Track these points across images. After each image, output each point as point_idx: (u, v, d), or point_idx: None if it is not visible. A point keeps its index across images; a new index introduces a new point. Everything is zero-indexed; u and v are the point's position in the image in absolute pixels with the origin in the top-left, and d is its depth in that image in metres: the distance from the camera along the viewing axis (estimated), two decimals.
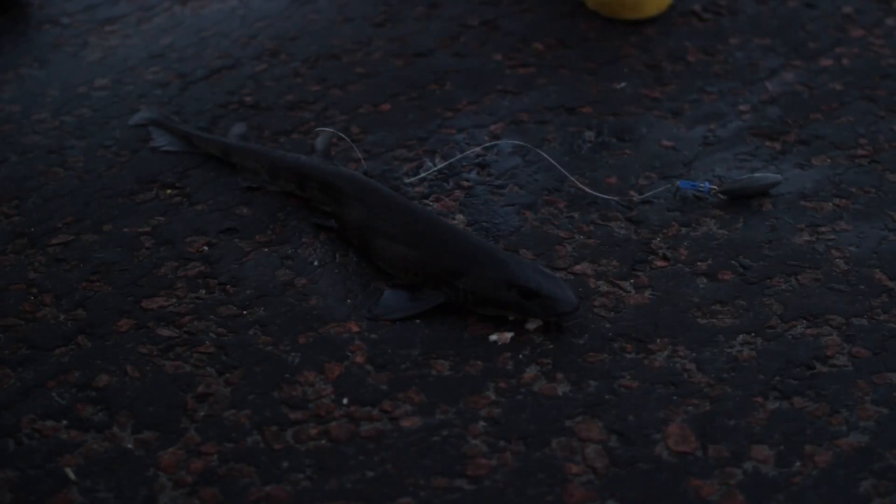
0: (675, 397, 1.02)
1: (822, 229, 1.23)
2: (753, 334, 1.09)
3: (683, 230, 1.23)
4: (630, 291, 1.14)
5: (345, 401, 1.02)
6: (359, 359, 1.07)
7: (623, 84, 1.50)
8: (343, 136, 1.38)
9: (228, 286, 1.17)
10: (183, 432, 1.00)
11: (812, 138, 1.38)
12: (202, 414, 1.01)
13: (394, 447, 0.98)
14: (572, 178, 1.28)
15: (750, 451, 0.96)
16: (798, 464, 0.95)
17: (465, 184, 1.31)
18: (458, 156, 1.34)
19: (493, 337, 1.09)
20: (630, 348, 1.07)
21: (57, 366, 1.07)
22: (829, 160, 1.34)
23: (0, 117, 1.50)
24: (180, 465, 0.96)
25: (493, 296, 1.09)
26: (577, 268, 1.18)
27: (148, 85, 1.56)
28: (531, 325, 1.09)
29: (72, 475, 0.96)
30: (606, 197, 1.27)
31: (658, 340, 1.08)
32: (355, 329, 1.10)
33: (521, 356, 1.06)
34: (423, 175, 1.32)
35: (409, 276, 1.14)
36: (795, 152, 1.36)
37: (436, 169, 1.33)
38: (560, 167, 1.30)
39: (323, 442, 0.98)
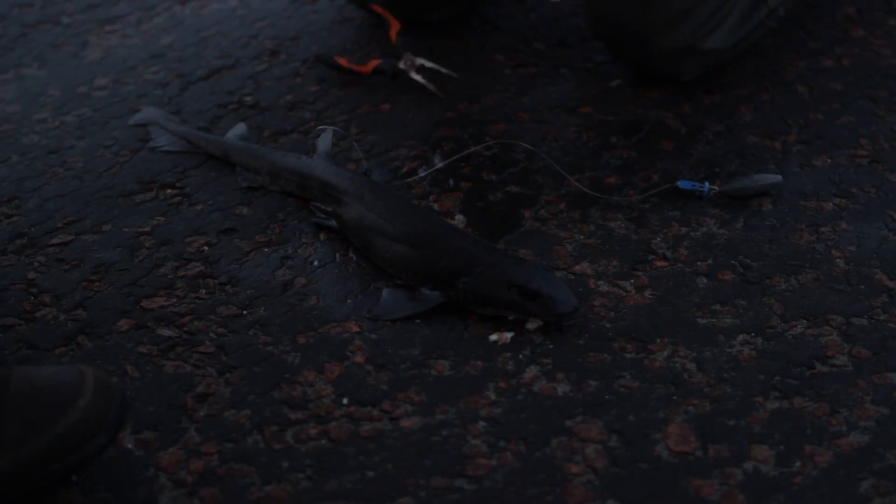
0: (675, 397, 1.02)
1: (823, 229, 1.23)
2: (753, 334, 1.09)
3: (683, 230, 1.23)
4: (630, 291, 1.14)
5: (345, 401, 1.02)
6: (359, 359, 1.07)
7: (617, 81, 1.50)
8: (342, 131, 1.37)
9: (228, 286, 1.17)
10: (183, 432, 1.00)
11: (812, 138, 1.38)
12: (202, 414, 1.01)
13: (394, 447, 0.98)
14: (571, 179, 1.28)
15: (750, 451, 0.96)
16: (798, 464, 0.95)
17: (465, 184, 1.31)
18: (458, 155, 1.34)
19: (493, 337, 1.09)
20: (630, 348, 1.07)
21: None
22: (829, 160, 1.34)
23: (0, 117, 1.51)
24: (180, 465, 0.96)
25: (493, 296, 1.09)
26: (577, 268, 1.18)
27: (148, 85, 1.56)
28: (531, 325, 1.09)
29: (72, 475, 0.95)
30: (606, 197, 1.27)
31: (658, 340, 1.08)
32: (355, 329, 1.10)
33: (521, 356, 1.06)
34: (422, 175, 1.32)
35: (409, 276, 1.14)
36: (795, 152, 1.36)
37: (435, 168, 1.33)
38: (560, 167, 1.30)
39: (323, 442, 0.98)
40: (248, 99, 1.51)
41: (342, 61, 1.51)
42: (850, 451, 0.96)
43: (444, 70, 1.49)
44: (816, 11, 1.65)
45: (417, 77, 1.48)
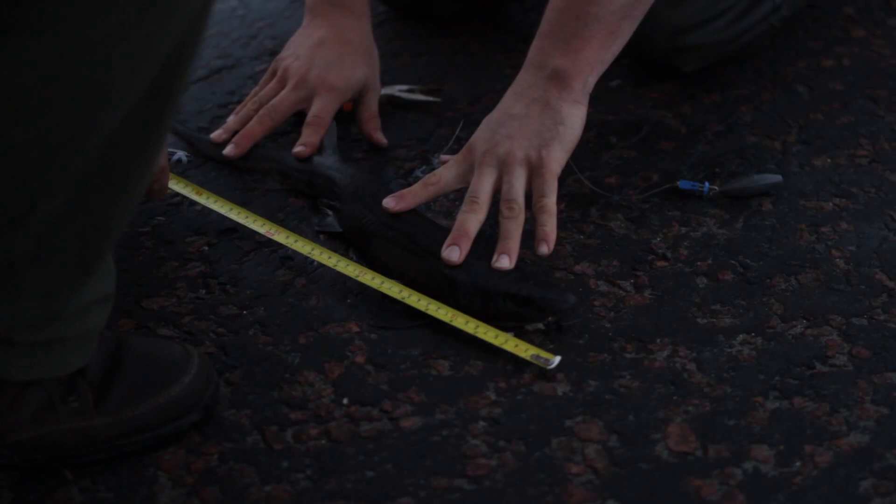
0: (675, 397, 1.02)
1: (823, 229, 1.23)
2: (753, 334, 1.09)
3: (683, 230, 1.23)
4: (630, 291, 1.14)
5: (345, 401, 1.02)
6: (359, 359, 1.07)
7: (617, 81, 1.50)
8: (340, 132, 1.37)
9: (228, 286, 1.17)
10: (183, 432, 0.99)
11: (812, 138, 1.38)
12: None
13: (394, 447, 0.98)
14: (579, 174, 1.26)
15: (750, 451, 0.96)
16: (798, 464, 0.95)
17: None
18: None
19: None
20: (630, 348, 1.07)
21: None
22: (829, 160, 1.34)
23: None
24: (180, 465, 0.96)
25: (489, 307, 1.08)
26: (577, 268, 1.18)
27: None
28: (531, 326, 1.09)
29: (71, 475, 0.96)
30: (607, 195, 1.27)
31: (658, 340, 1.08)
32: (355, 329, 1.10)
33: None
34: (421, 175, 1.31)
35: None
36: (795, 152, 1.36)
37: (434, 168, 1.32)
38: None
39: (323, 442, 0.98)
40: None
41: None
42: (850, 451, 0.96)
43: (420, 97, 1.47)
44: (816, 11, 1.65)
45: (412, 96, 1.47)
